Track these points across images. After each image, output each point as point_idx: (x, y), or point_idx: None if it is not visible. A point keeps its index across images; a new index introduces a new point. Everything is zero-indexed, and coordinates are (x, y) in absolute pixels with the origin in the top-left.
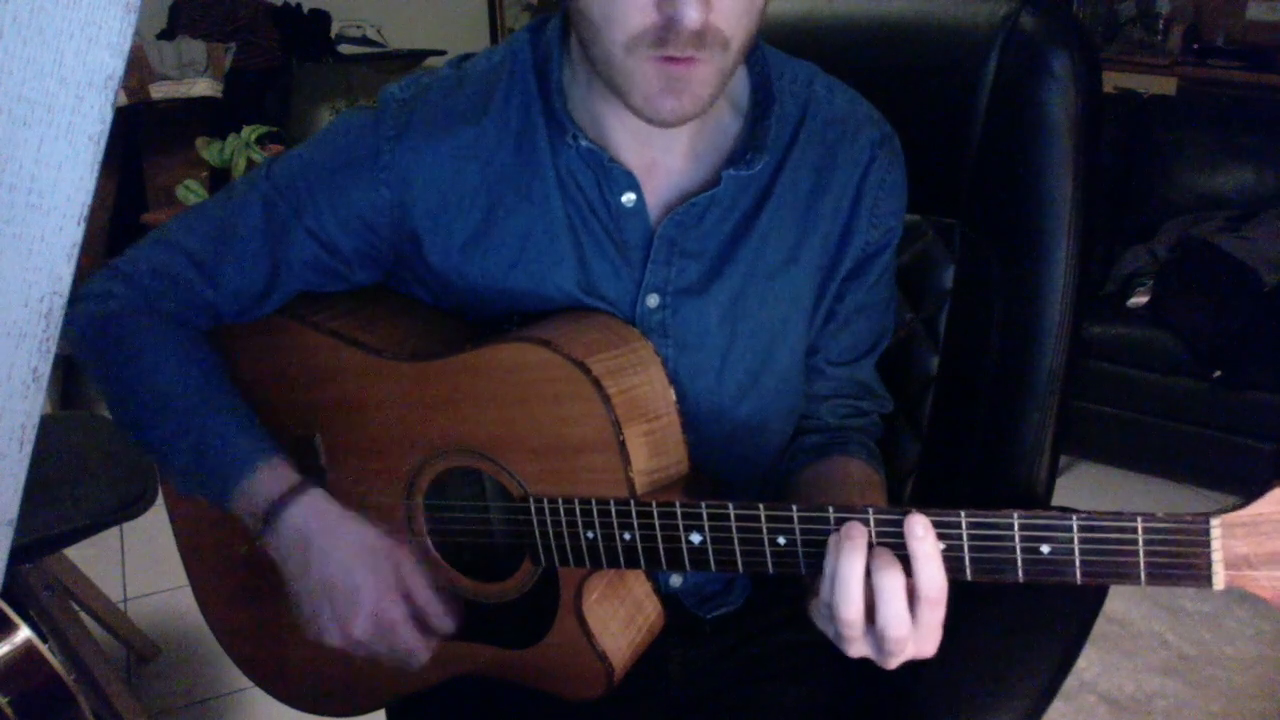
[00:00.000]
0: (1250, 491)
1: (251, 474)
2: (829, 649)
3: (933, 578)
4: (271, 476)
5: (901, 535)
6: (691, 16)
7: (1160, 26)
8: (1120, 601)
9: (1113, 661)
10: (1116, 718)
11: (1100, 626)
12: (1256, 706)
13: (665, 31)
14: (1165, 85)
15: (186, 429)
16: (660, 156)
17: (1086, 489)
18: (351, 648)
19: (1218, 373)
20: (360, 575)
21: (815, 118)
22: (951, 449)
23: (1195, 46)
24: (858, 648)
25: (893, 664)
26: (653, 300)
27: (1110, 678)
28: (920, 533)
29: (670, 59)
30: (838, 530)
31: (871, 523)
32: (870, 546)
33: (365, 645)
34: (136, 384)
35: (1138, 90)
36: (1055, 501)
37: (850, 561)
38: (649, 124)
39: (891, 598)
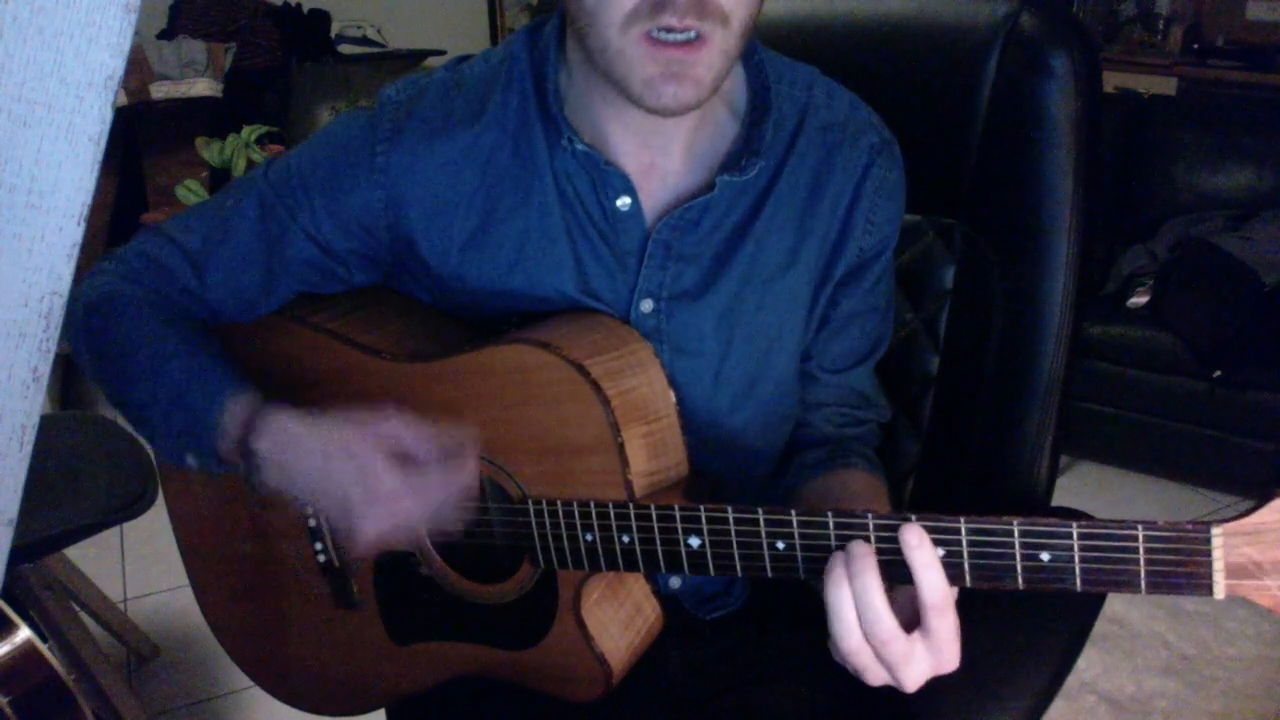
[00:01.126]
0: (1250, 493)
1: (224, 407)
2: (829, 650)
3: (934, 585)
4: (240, 407)
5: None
6: None
7: (1160, 26)
8: (1120, 602)
9: (1113, 661)
10: (1116, 718)
11: (1100, 626)
12: (1256, 706)
13: None
14: (1165, 85)
15: (166, 376)
16: (658, 158)
17: (1086, 489)
18: (383, 541)
19: (1218, 373)
20: (342, 478)
21: (813, 122)
22: (951, 449)
23: (1195, 46)
24: (875, 674)
25: (910, 684)
26: (647, 305)
27: (1110, 678)
28: (915, 542)
29: (669, 44)
30: (837, 535)
31: (871, 528)
32: (850, 579)
33: (391, 533)
34: (123, 348)
35: (1138, 90)
36: (1055, 501)
37: (837, 591)
38: (650, 113)
39: (868, 606)
